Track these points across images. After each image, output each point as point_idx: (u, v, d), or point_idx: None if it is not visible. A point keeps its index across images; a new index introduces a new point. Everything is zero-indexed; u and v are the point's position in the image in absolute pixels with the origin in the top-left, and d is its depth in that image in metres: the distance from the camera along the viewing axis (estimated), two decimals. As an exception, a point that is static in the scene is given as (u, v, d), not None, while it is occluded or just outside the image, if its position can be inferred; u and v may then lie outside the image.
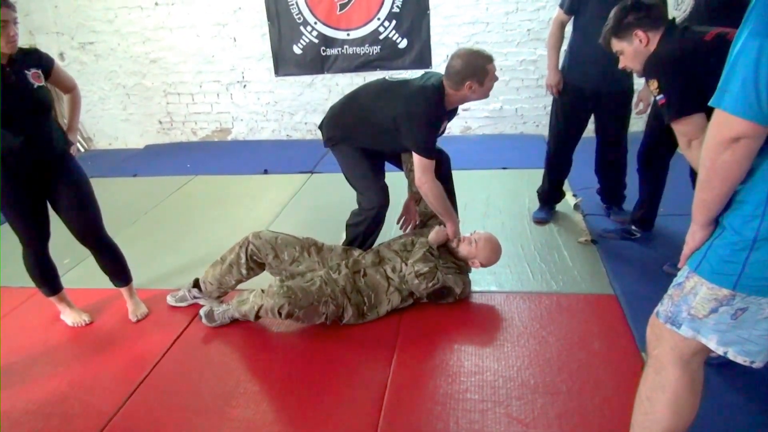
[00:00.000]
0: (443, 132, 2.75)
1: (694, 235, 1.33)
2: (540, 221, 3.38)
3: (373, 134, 2.71)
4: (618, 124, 3.18)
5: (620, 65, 2.24)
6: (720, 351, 1.33)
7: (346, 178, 2.87)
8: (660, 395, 1.43)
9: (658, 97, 1.95)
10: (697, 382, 1.43)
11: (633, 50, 2.13)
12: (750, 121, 1.09)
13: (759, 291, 1.23)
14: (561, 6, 3.06)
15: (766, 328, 1.27)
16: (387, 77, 2.73)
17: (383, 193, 2.79)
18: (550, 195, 3.44)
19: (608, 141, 3.25)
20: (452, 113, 2.77)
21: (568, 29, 3.13)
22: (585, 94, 3.07)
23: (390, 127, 2.59)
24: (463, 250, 2.65)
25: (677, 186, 2.87)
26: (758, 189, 1.19)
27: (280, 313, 2.30)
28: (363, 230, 2.84)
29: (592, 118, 3.24)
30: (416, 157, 2.56)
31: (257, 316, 2.41)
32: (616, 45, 2.19)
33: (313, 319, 2.39)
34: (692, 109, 1.84)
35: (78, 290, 2.92)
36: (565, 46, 3.16)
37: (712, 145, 1.16)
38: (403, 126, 2.55)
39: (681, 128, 1.91)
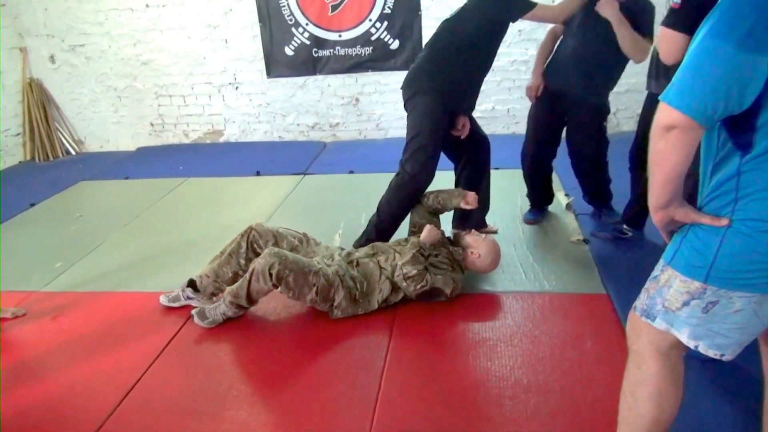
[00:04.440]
0: None
1: (652, 218, 1.35)
2: (531, 222, 3.39)
3: (464, 61, 2.78)
4: (585, 137, 3.11)
5: None
6: (691, 345, 1.35)
7: (409, 132, 2.84)
8: (642, 389, 1.45)
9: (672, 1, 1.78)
10: (677, 374, 1.45)
11: None
12: (683, 114, 1.14)
13: (729, 284, 1.26)
14: None
15: (735, 321, 1.29)
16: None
17: (433, 164, 2.82)
18: (536, 198, 3.45)
19: (576, 152, 3.21)
20: None
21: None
22: (559, 100, 3.06)
23: (478, 36, 2.75)
24: (469, 238, 2.71)
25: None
26: (725, 189, 1.24)
27: (270, 275, 2.34)
28: (395, 208, 2.88)
29: None
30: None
31: (249, 293, 2.43)
32: None
33: (303, 289, 2.41)
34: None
35: (70, 293, 2.92)
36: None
37: (652, 133, 1.22)
38: (488, 8, 2.73)
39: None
